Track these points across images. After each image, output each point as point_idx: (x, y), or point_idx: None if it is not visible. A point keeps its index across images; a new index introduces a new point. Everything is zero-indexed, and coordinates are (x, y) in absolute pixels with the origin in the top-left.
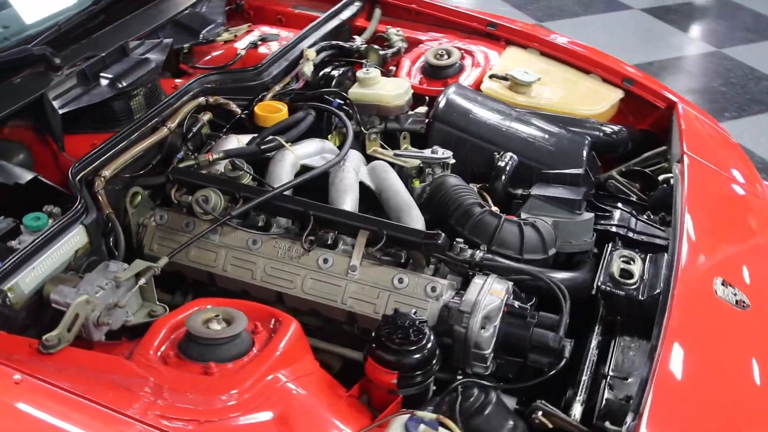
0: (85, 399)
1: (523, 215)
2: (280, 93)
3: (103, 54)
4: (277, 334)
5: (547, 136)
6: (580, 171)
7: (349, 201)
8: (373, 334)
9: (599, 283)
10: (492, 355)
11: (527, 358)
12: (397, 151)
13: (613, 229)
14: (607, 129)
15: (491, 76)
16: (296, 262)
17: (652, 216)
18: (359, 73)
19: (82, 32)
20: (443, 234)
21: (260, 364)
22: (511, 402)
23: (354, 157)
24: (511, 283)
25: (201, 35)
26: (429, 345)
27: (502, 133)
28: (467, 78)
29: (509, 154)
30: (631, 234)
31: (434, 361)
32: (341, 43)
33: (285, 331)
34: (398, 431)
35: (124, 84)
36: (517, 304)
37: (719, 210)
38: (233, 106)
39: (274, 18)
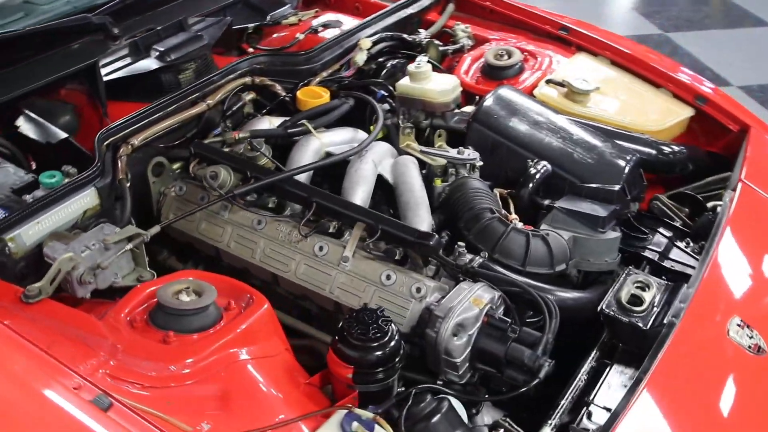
0: (40, 348)
1: (543, 227)
2: (327, 79)
3: (159, 27)
4: (246, 312)
5: (588, 149)
6: (614, 188)
7: (359, 192)
8: (338, 327)
9: (604, 306)
10: (466, 364)
11: (503, 372)
12: (424, 148)
13: (644, 252)
14: (665, 148)
15: (548, 81)
16: (294, 247)
17: (691, 244)
18: (410, 67)
19: (147, 5)
20: (437, 236)
21: (218, 339)
22: (497, 415)
23: (380, 149)
24: (497, 294)
25: (268, 17)
26: (390, 344)
27: (541, 140)
28: (525, 81)
29: (543, 162)
30: (662, 260)
31: (396, 361)
32: (403, 35)
33: (254, 311)
34: (333, 425)
35: (172, 57)
36: (498, 315)
37: (762, 245)
38: (278, 88)
39: (352, 6)
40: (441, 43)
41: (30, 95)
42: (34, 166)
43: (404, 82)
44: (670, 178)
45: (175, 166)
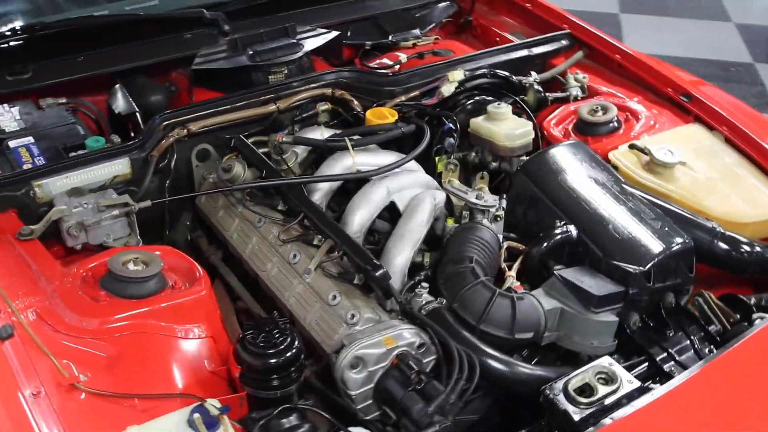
0: None
1: (536, 291)
2: (403, 103)
3: (262, 30)
4: (181, 293)
5: (628, 223)
6: (632, 269)
7: (358, 215)
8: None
9: (547, 387)
10: (369, 401)
11: (399, 420)
12: (449, 186)
13: (653, 348)
14: (743, 244)
15: (631, 146)
16: (276, 250)
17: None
18: (489, 106)
19: (270, 9)
20: (386, 270)
21: (138, 308)
22: None
23: (406, 179)
24: (422, 340)
25: (390, 37)
26: (283, 355)
27: (579, 204)
28: (615, 141)
29: (570, 227)
30: (666, 362)
31: (288, 372)
32: (508, 74)
33: (186, 294)
34: (183, 413)
35: (262, 59)
36: (412, 362)
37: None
38: (355, 104)
39: (493, 39)
40: (541, 89)
41: (136, 71)
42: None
43: (478, 120)
44: (744, 279)
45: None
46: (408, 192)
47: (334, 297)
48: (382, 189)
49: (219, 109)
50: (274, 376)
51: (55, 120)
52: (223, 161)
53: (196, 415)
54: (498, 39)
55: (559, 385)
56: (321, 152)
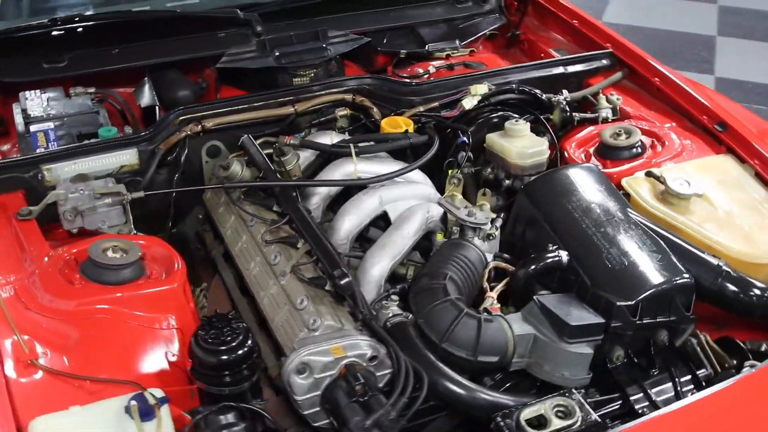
0: None
1: (513, 315)
2: (421, 113)
3: (293, 33)
4: (151, 284)
5: (624, 253)
6: (616, 301)
7: (346, 221)
8: None
9: (499, 415)
10: (316, 408)
11: (339, 430)
12: (441, 199)
13: (630, 388)
14: (754, 287)
15: (647, 173)
16: (260, 250)
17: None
18: (507, 122)
19: (307, 12)
20: (351, 279)
21: (107, 293)
22: None
23: (402, 190)
24: (370, 352)
25: (427, 46)
26: (230, 354)
27: (575, 228)
28: (636, 166)
29: (563, 252)
30: (640, 402)
31: (238, 370)
32: (536, 91)
33: (161, 284)
34: (122, 399)
35: (284, 62)
36: (359, 373)
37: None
38: (374, 111)
39: (538, 55)
40: (568, 109)
41: (168, 66)
42: None
43: (493, 135)
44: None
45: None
46: (403, 203)
47: (302, 301)
48: (374, 198)
49: (236, 107)
50: (226, 373)
51: (78, 108)
52: (228, 158)
53: (133, 403)
54: (542, 55)
55: (513, 414)
56: (328, 157)
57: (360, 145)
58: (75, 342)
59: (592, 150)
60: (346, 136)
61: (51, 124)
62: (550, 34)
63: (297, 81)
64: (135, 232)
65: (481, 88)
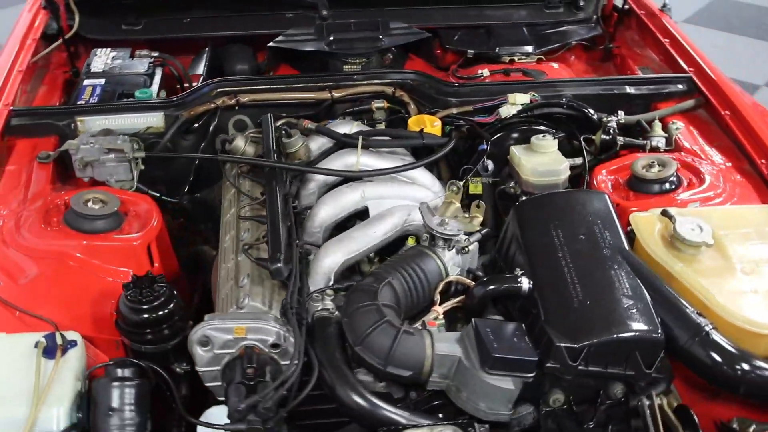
0: None
1: (450, 333)
2: (452, 115)
3: (353, 21)
4: (116, 238)
5: (593, 294)
6: (559, 343)
7: (322, 210)
8: None
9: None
10: (214, 381)
11: None
12: (421, 204)
13: None
14: (736, 358)
15: (663, 212)
16: (236, 225)
17: None
18: (533, 137)
19: (381, 1)
20: (281, 265)
21: (75, 239)
22: None
23: (395, 190)
24: (272, 339)
25: (497, 49)
26: (145, 314)
27: (550, 258)
28: (660, 202)
29: (524, 279)
30: None
31: (153, 331)
32: (586, 108)
33: (123, 240)
34: (37, 335)
35: (335, 48)
36: (259, 358)
37: None
38: (411, 107)
39: (626, 71)
40: (613, 131)
41: (234, 40)
42: None
43: (516, 148)
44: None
45: None
46: (388, 202)
47: (243, 279)
48: (356, 192)
49: (273, 86)
50: (147, 331)
51: (134, 70)
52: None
53: (41, 340)
54: (628, 72)
55: None
56: (342, 145)
57: (370, 138)
58: (31, 277)
59: (624, 179)
60: (365, 128)
61: (102, 81)
62: (646, 51)
63: (347, 68)
64: (135, 188)
65: (521, 98)
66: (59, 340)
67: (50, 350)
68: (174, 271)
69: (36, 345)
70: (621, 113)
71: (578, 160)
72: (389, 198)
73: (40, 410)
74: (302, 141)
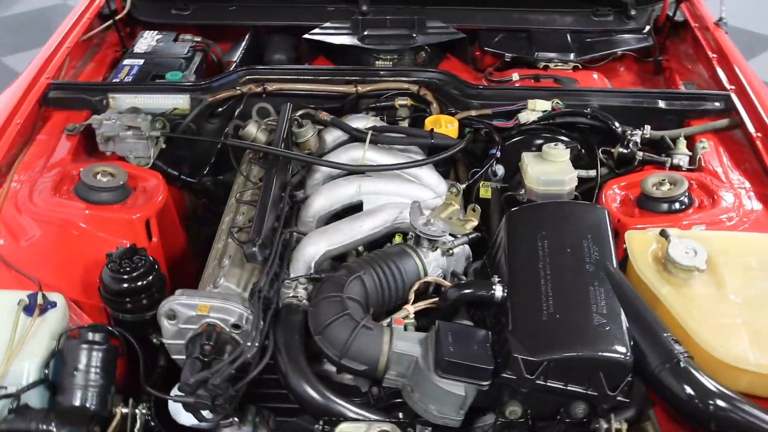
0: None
1: (414, 333)
2: (471, 117)
3: (390, 17)
4: (120, 210)
5: (565, 308)
6: (516, 354)
7: (317, 201)
8: None
9: (323, 422)
10: (179, 353)
11: None
12: (414, 203)
13: None
14: (708, 391)
15: (662, 232)
16: (235, 208)
17: None
18: (545, 145)
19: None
20: (255, 250)
21: (77, 209)
22: None
23: (392, 186)
24: (233, 320)
25: (536, 54)
26: (125, 284)
27: (531, 268)
28: (663, 221)
29: (498, 287)
30: None
31: (129, 301)
32: (611, 120)
33: (123, 213)
34: (23, 294)
35: (366, 43)
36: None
37: None
38: (434, 106)
39: (671, 83)
40: (633, 146)
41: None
42: None
43: (527, 155)
44: None
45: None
46: (385, 198)
47: (226, 260)
48: (352, 185)
49: (301, 77)
50: (127, 300)
51: (173, 52)
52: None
53: (23, 298)
54: (673, 86)
55: (335, 424)
56: (355, 139)
57: (379, 134)
58: (33, 240)
59: (634, 196)
60: (380, 123)
61: (140, 61)
62: (697, 65)
63: (379, 64)
64: (152, 166)
65: (542, 104)
66: (40, 300)
67: (30, 308)
68: (180, 248)
69: (19, 302)
70: (647, 128)
71: (593, 172)
72: (386, 194)
73: (12, 363)
74: (313, 131)
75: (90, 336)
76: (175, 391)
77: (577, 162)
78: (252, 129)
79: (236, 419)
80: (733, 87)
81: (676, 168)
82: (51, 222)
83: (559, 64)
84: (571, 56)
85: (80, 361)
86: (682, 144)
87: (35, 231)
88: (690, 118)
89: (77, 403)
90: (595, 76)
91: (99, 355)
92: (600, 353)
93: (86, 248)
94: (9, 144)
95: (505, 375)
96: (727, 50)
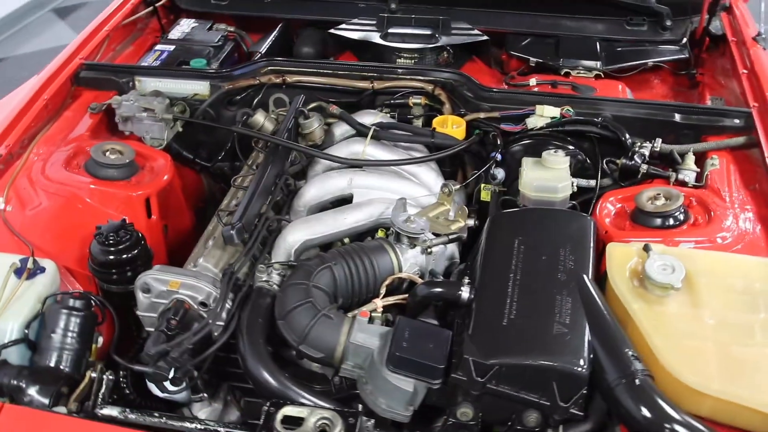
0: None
1: (378, 328)
2: (479, 119)
3: (415, 16)
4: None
5: (528, 315)
6: (466, 355)
7: (306, 191)
8: None
9: (270, 403)
10: (152, 326)
11: None
12: (399, 199)
13: None
14: (674, 422)
15: (645, 247)
16: (232, 195)
17: None
18: (545, 152)
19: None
20: (232, 233)
21: (81, 183)
22: None
23: (383, 182)
24: (200, 297)
25: (560, 61)
26: (111, 255)
27: (502, 273)
28: (652, 237)
29: (466, 289)
30: None
31: (115, 272)
32: (621, 131)
33: (126, 189)
34: (17, 257)
35: (388, 41)
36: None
37: None
38: (446, 107)
39: (702, 99)
40: (639, 158)
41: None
42: None
43: (528, 160)
44: None
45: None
46: (375, 193)
47: (210, 241)
48: (343, 178)
49: (320, 70)
50: (113, 271)
51: (204, 40)
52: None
53: (14, 262)
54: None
55: (281, 406)
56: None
57: (381, 130)
58: (39, 209)
59: (630, 209)
60: (388, 120)
61: (171, 47)
62: (731, 81)
63: (400, 61)
64: (163, 145)
65: (550, 110)
66: (30, 264)
67: (20, 272)
68: (186, 228)
69: (11, 266)
70: (659, 141)
71: (593, 182)
72: (377, 189)
73: None
74: (318, 123)
75: (71, 302)
76: None
77: (582, 172)
78: (260, 118)
79: (205, 395)
80: (756, 104)
81: (681, 183)
82: (57, 194)
83: (582, 71)
84: (597, 64)
85: (59, 324)
86: (690, 159)
87: (42, 201)
88: (707, 133)
89: (52, 363)
90: (620, 86)
91: (77, 320)
92: (554, 363)
93: (86, 221)
94: (33, 118)
95: (455, 375)
96: (758, 67)
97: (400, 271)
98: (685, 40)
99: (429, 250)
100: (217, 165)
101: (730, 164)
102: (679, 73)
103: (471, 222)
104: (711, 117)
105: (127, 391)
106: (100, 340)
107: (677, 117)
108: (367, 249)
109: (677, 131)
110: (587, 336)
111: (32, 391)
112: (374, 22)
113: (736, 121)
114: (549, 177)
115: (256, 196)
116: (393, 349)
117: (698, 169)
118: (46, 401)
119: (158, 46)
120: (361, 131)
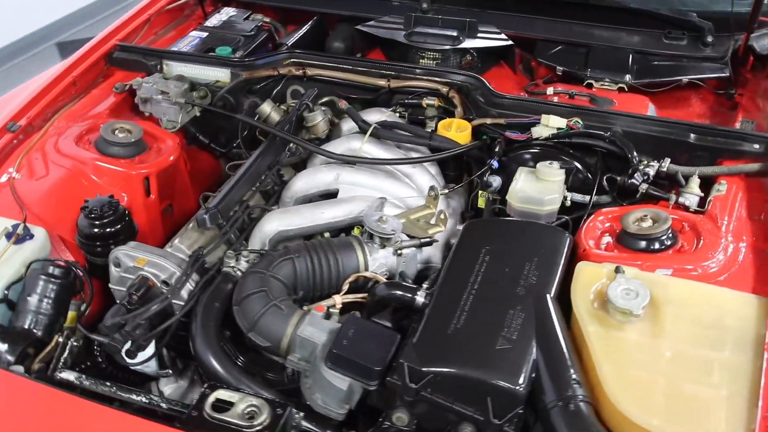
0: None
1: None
2: (485, 125)
3: (443, 17)
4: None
5: (476, 327)
6: (402, 360)
7: (296, 183)
8: None
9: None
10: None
11: None
12: (378, 198)
13: None
14: None
15: (616, 269)
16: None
17: None
18: (539, 164)
19: (487, 3)
20: (206, 218)
21: (87, 160)
22: None
23: (373, 180)
24: (163, 276)
25: (588, 72)
26: (96, 228)
27: (459, 282)
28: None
29: (421, 293)
30: None
31: (99, 245)
32: (628, 148)
33: (127, 168)
34: (11, 222)
35: (411, 40)
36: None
37: None
38: (457, 111)
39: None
40: (641, 176)
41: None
42: None
43: (523, 170)
44: None
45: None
46: (361, 190)
47: (191, 224)
48: (331, 173)
49: (340, 65)
50: (97, 244)
51: (237, 29)
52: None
53: (7, 226)
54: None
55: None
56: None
57: (381, 129)
58: (43, 178)
59: (619, 229)
60: (394, 119)
61: (204, 34)
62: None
63: (423, 62)
64: (177, 128)
65: (556, 121)
66: (20, 230)
67: (10, 236)
68: (190, 210)
69: (3, 230)
70: (666, 161)
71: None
72: (363, 187)
73: None
74: (322, 117)
75: (50, 269)
76: None
77: (583, 186)
78: (266, 108)
79: (170, 371)
80: None
81: (682, 207)
82: (64, 166)
83: (607, 83)
84: (627, 77)
85: (36, 289)
86: (695, 183)
87: (50, 172)
88: (724, 157)
89: (26, 325)
90: (648, 102)
91: (53, 288)
92: (489, 378)
93: (86, 195)
94: (58, 93)
95: (389, 379)
96: None
97: (367, 269)
98: (726, 57)
99: (399, 251)
100: (235, 151)
101: (740, 191)
102: (718, 92)
103: (460, 228)
104: (729, 140)
105: (100, 359)
106: (84, 308)
107: (692, 137)
108: (334, 245)
109: (691, 152)
110: (532, 354)
111: (1, 349)
112: (402, 21)
113: (756, 146)
114: (538, 189)
115: (240, 184)
116: (333, 347)
117: (701, 194)
118: (11, 359)
119: (193, 32)
120: (363, 128)
